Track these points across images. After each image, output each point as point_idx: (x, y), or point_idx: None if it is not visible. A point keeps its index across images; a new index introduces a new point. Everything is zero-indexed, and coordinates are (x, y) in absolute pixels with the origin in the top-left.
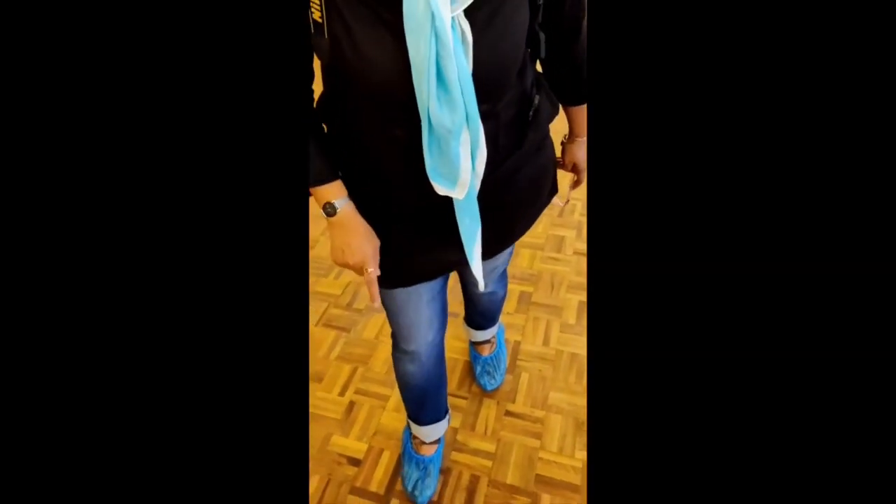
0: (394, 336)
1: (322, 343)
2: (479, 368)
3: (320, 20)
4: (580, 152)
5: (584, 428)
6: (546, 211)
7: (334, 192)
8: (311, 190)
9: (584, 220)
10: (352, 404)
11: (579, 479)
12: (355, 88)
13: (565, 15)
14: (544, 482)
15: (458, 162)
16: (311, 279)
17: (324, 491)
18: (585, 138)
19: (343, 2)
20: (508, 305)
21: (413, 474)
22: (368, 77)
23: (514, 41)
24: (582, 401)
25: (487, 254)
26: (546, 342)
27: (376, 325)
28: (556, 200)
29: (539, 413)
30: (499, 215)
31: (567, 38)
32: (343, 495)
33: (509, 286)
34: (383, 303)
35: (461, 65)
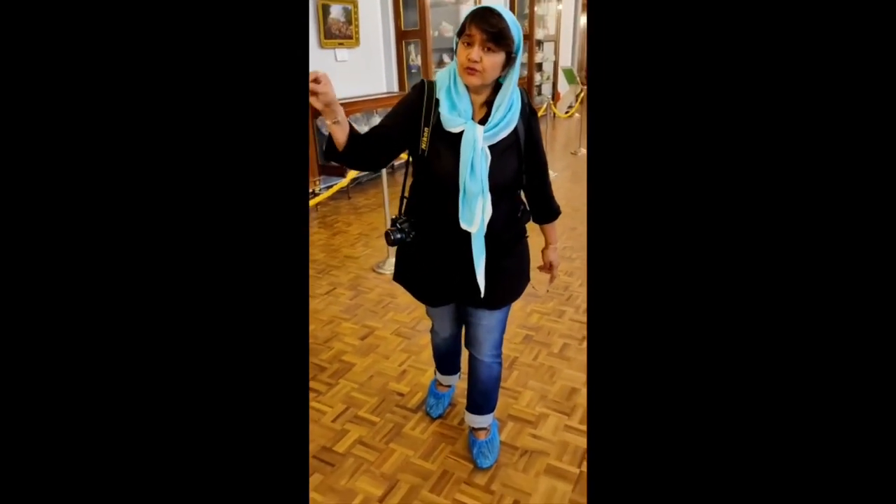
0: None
1: (392, 342)
2: (475, 450)
3: (425, 147)
4: (552, 255)
5: (546, 398)
6: (554, 294)
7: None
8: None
9: (582, 303)
10: (403, 371)
11: (534, 417)
12: (433, 180)
13: (532, 171)
14: (513, 416)
15: (475, 213)
16: (391, 313)
17: (380, 404)
18: (554, 245)
19: (437, 139)
20: (516, 339)
21: (431, 401)
22: (441, 172)
23: (511, 171)
24: (549, 386)
25: (490, 302)
26: (535, 359)
27: (424, 338)
28: (536, 289)
29: (519, 389)
30: (496, 275)
31: (535, 183)
32: (392, 407)
33: (518, 330)
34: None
35: (483, 166)
